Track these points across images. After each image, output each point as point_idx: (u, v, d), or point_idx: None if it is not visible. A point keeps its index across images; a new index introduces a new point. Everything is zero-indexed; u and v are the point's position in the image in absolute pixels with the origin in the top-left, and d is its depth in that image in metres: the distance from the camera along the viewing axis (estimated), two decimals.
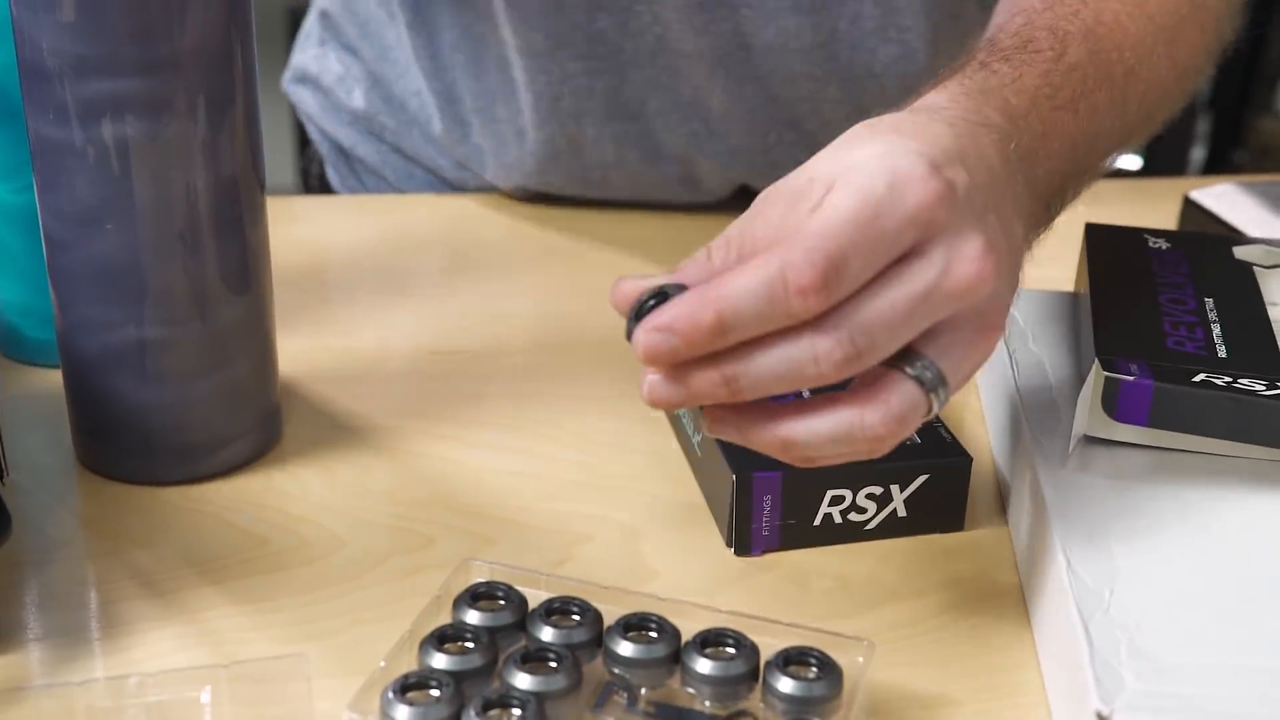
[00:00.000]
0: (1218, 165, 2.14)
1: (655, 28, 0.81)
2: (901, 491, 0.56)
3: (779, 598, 0.53)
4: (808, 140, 0.86)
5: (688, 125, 0.85)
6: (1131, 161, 2.00)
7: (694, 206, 0.90)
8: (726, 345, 0.43)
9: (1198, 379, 0.53)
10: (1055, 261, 0.79)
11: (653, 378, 0.44)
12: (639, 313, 0.44)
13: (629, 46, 0.82)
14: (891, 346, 0.43)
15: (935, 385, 0.44)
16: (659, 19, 0.81)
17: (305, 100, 0.98)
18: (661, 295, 0.44)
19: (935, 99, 0.51)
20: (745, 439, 0.46)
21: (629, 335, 0.44)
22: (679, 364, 0.43)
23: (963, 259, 0.43)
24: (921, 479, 0.56)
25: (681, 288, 0.44)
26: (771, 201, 0.45)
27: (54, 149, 0.53)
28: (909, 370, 0.44)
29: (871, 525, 0.56)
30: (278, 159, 1.11)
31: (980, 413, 0.66)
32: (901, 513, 0.56)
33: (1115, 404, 0.53)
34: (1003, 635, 0.52)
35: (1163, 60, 0.62)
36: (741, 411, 0.46)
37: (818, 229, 0.42)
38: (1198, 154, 2.10)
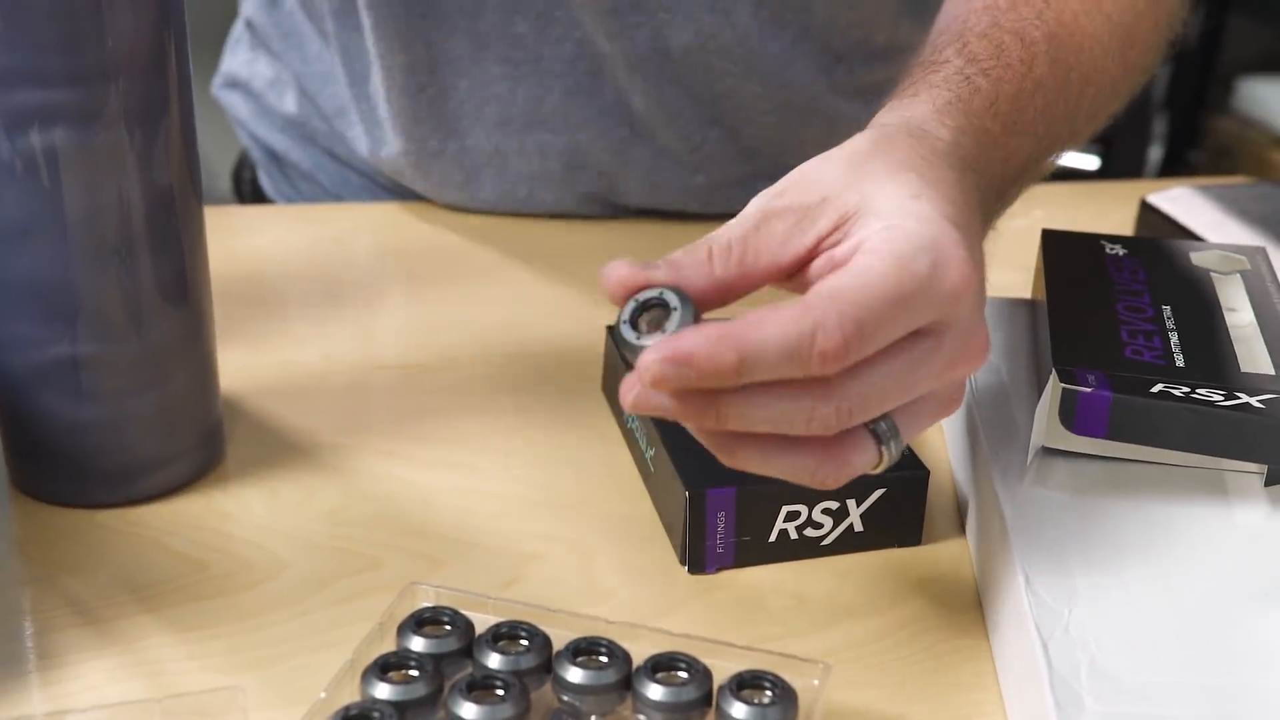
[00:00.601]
0: (1174, 165, 2.15)
1: (575, 33, 0.80)
2: (858, 506, 0.55)
3: (734, 617, 0.52)
4: (734, 139, 0.85)
5: (613, 133, 0.84)
6: (1089, 162, 2.00)
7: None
8: (737, 383, 0.41)
9: (1155, 390, 0.52)
10: (1012, 267, 0.79)
11: (634, 387, 0.42)
12: (635, 316, 0.43)
13: (548, 54, 0.81)
14: (877, 413, 0.44)
15: (889, 440, 0.45)
16: (578, 24, 0.80)
17: (236, 105, 0.96)
18: (660, 302, 0.43)
19: (925, 119, 0.49)
20: (699, 434, 0.45)
21: (618, 334, 0.43)
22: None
23: (968, 351, 0.44)
24: (878, 493, 0.55)
25: (681, 294, 0.43)
26: (777, 215, 0.44)
27: None
28: (872, 429, 0.44)
29: (828, 541, 0.55)
30: (222, 167, 1.09)
31: (939, 424, 0.65)
32: (858, 528, 0.55)
33: (1073, 416, 0.52)
34: (962, 653, 0.51)
35: (1115, 61, 0.61)
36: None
37: (855, 296, 0.41)
38: (1155, 154, 2.11)
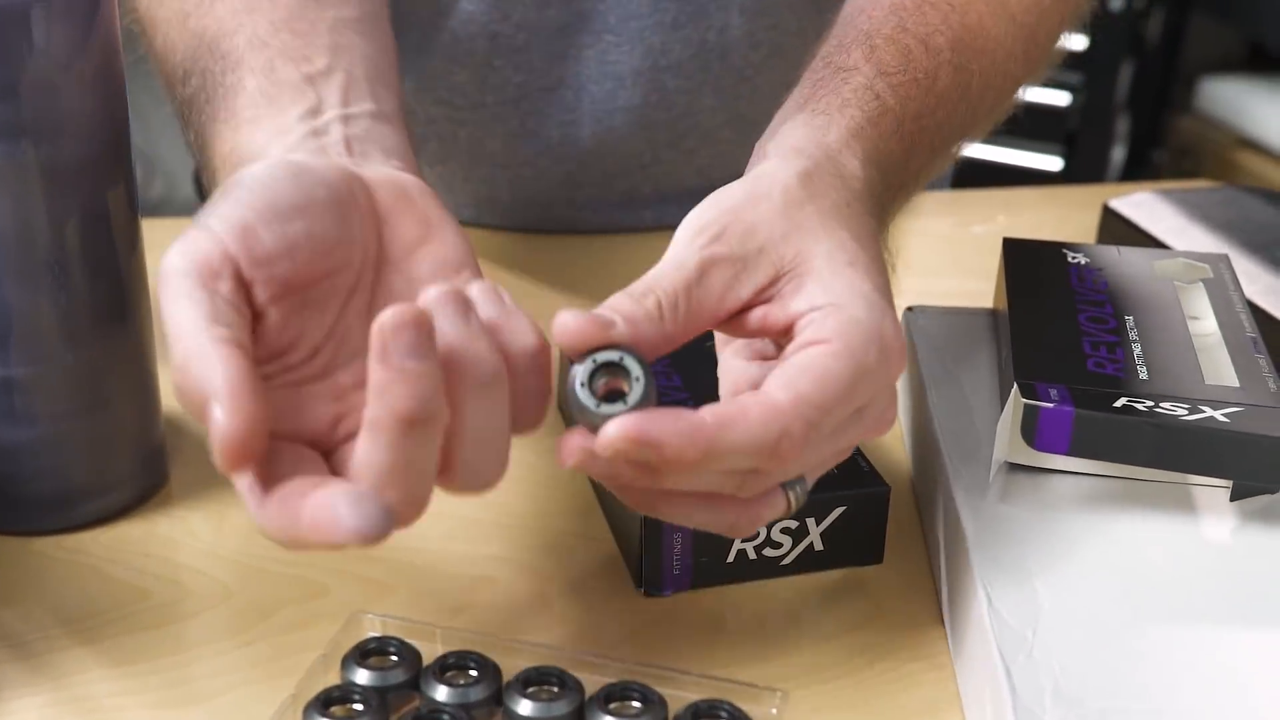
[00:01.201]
0: (1138, 166, 2.15)
1: (516, 78, 0.79)
2: (818, 524, 0.54)
3: (691, 642, 0.51)
4: (688, 157, 0.83)
5: (560, 168, 0.82)
6: (1052, 163, 2.00)
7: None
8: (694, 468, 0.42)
9: (1119, 404, 0.51)
10: (974, 276, 0.78)
11: (582, 447, 0.41)
12: (590, 377, 0.42)
13: (490, 100, 0.79)
14: (798, 476, 0.45)
15: (795, 488, 0.46)
16: (520, 67, 0.78)
17: None
18: (620, 367, 0.42)
19: (839, 150, 0.49)
20: (615, 488, 0.45)
21: (573, 396, 0.42)
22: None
23: (883, 418, 0.45)
24: (838, 510, 0.54)
25: (641, 361, 0.42)
26: (716, 265, 0.44)
27: None
28: (784, 486, 0.45)
29: (788, 560, 0.54)
30: (186, 173, 1.07)
31: (901, 436, 0.64)
32: (819, 546, 0.54)
33: (1035, 432, 0.51)
34: (924, 675, 0.50)
35: (1018, 63, 0.61)
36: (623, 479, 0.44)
37: (820, 401, 0.42)
38: (1118, 154, 2.11)
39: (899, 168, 0.52)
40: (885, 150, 0.51)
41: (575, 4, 0.78)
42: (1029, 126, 1.99)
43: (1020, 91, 0.64)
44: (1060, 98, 1.99)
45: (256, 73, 0.51)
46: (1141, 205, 0.83)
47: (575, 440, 0.42)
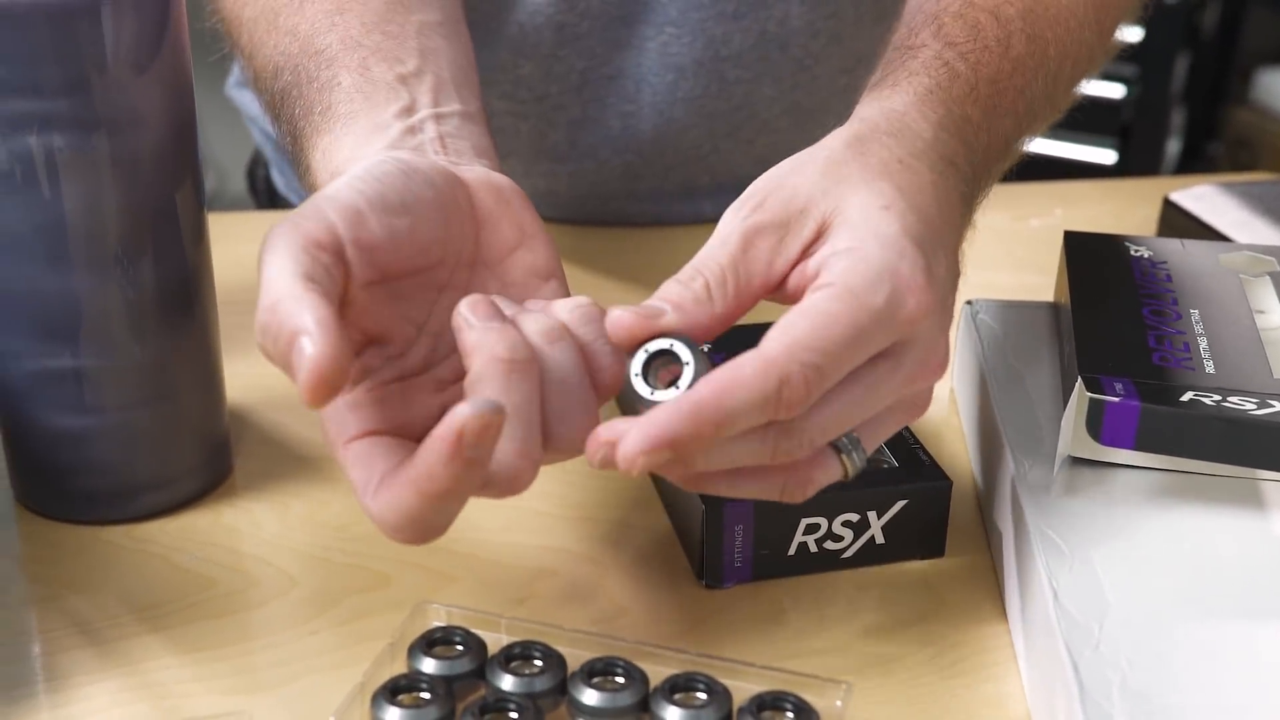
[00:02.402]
0: (1193, 158, 2.13)
1: (579, 64, 0.79)
2: (879, 518, 0.54)
3: (752, 634, 0.51)
4: (747, 147, 0.83)
5: (620, 158, 0.82)
6: (1106, 156, 1.99)
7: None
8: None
9: (1185, 399, 0.50)
10: (1034, 270, 0.77)
11: (604, 452, 0.41)
12: (645, 367, 0.43)
13: (553, 90, 0.80)
14: (838, 434, 0.44)
15: (851, 453, 0.45)
16: (583, 53, 0.79)
17: (249, 103, 0.95)
18: (671, 354, 0.43)
19: (907, 113, 0.49)
20: (660, 471, 0.44)
21: (629, 387, 0.43)
22: None
23: (927, 366, 0.45)
24: (900, 504, 0.53)
25: (692, 345, 0.42)
26: (759, 233, 0.45)
27: None
28: (836, 445, 0.45)
29: (849, 553, 0.54)
30: (236, 167, 1.08)
31: (961, 430, 0.64)
32: (880, 540, 0.54)
33: (1100, 426, 0.50)
34: (988, 669, 0.50)
35: (1091, 30, 0.61)
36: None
37: (814, 343, 0.41)
38: (1173, 147, 2.09)
39: (979, 130, 0.51)
40: (960, 114, 0.50)
41: None
42: (1082, 119, 1.98)
43: (1098, 62, 0.64)
44: (1115, 90, 1.97)
45: (351, 71, 0.52)
46: (1203, 198, 0.82)
47: (596, 441, 0.42)
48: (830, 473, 0.45)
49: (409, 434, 0.44)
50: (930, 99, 0.50)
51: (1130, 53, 1.94)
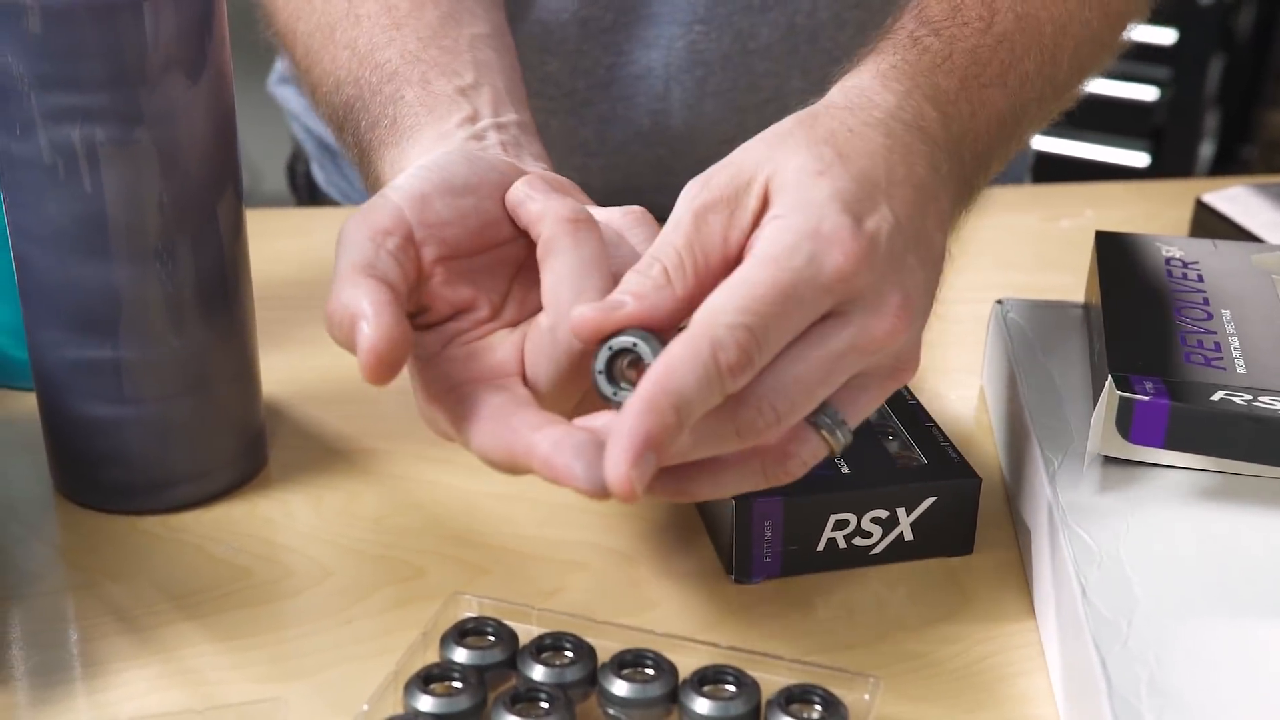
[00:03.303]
0: (1227, 161, 2.12)
1: (606, 59, 0.79)
2: (908, 515, 0.54)
3: (781, 628, 0.51)
4: None
5: (651, 153, 0.83)
6: (1138, 159, 1.98)
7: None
8: (683, 431, 0.42)
9: (1216, 398, 0.50)
10: (1062, 269, 0.77)
11: (588, 461, 0.41)
12: (609, 365, 0.43)
13: (581, 85, 0.80)
14: (810, 406, 0.44)
15: (835, 429, 0.46)
16: (610, 48, 0.79)
17: (289, 100, 0.96)
18: (633, 351, 0.43)
19: (868, 87, 0.49)
20: (648, 492, 0.44)
21: (595, 385, 0.44)
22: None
23: (878, 317, 0.44)
24: (929, 501, 0.54)
25: (649, 335, 0.43)
26: (712, 209, 0.45)
27: (22, 165, 0.51)
28: (814, 421, 0.45)
29: (878, 550, 0.54)
30: (276, 164, 1.09)
31: (991, 428, 0.64)
32: (908, 536, 0.54)
33: (1130, 425, 0.50)
34: (1016, 666, 0.50)
35: (1095, 11, 0.61)
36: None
37: (736, 305, 0.42)
38: (1206, 150, 2.07)
39: (956, 100, 0.51)
40: (929, 83, 0.50)
41: None
42: (1115, 122, 1.97)
43: (1108, 47, 0.64)
44: (1148, 93, 1.96)
45: (414, 85, 0.55)
46: (1235, 199, 0.82)
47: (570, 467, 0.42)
48: (811, 448, 0.45)
49: (494, 378, 0.46)
50: (894, 73, 0.50)
51: (1163, 55, 1.94)
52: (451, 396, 0.46)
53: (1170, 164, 1.98)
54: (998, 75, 0.53)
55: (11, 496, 0.58)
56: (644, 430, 0.40)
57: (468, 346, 0.47)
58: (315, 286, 0.78)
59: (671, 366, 0.41)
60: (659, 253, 0.45)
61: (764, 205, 0.45)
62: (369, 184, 0.55)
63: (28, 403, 0.63)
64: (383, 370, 0.43)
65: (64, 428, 0.56)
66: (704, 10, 0.79)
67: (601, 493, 0.41)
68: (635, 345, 0.43)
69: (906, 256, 0.45)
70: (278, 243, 0.80)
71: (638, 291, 0.44)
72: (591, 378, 0.44)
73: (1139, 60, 1.93)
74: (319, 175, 0.97)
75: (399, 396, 0.66)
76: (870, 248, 0.44)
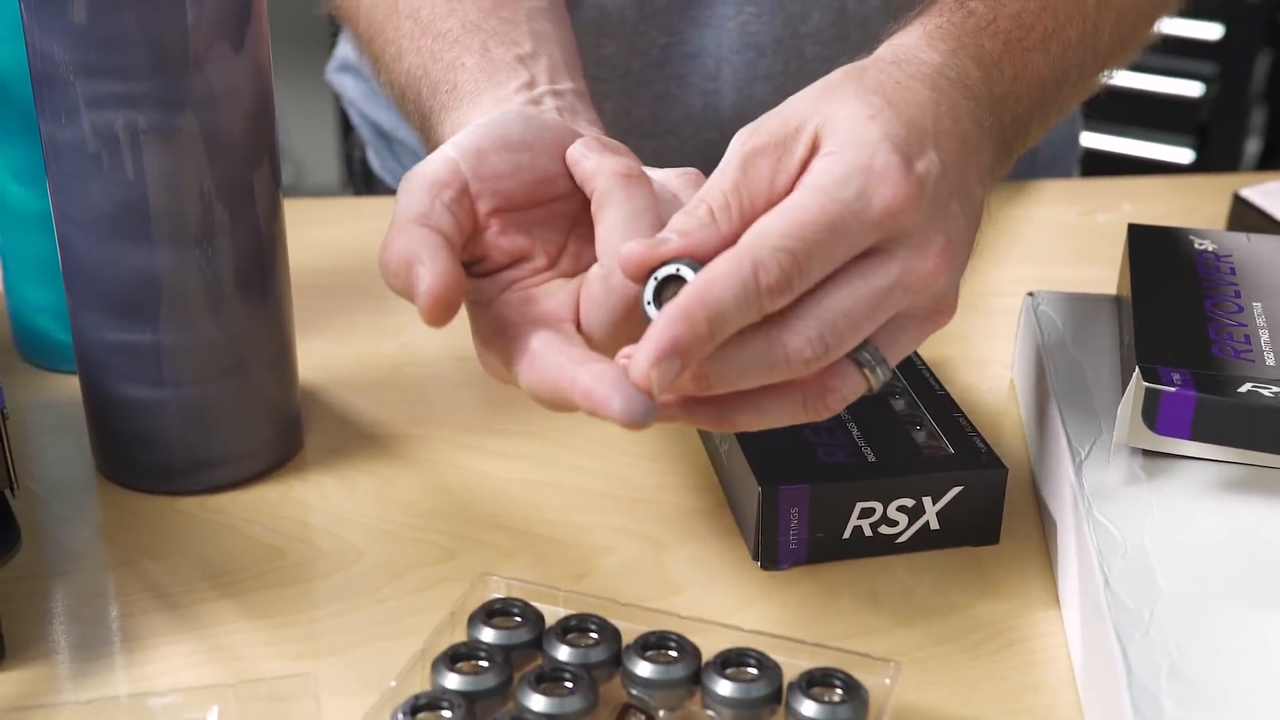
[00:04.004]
0: (1274, 157, 2.10)
1: (660, 39, 0.80)
2: (934, 504, 0.54)
3: (806, 614, 0.52)
4: None
5: (701, 135, 0.83)
6: (1182, 155, 1.96)
7: None
8: (716, 344, 0.43)
9: (1243, 389, 0.50)
10: (1099, 263, 0.77)
11: (627, 394, 0.42)
12: (656, 294, 0.44)
13: (635, 66, 0.81)
14: (854, 340, 0.45)
15: (875, 366, 0.46)
16: (664, 28, 0.80)
17: (347, 87, 0.98)
18: (677, 278, 0.44)
19: (915, 45, 0.50)
20: (691, 420, 0.46)
21: (644, 314, 0.44)
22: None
23: (922, 257, 0.45)
24: (955, 491, 0.54)
25: (694, 264, 0.44)
26: (758, 153, 0.46)
27: (66, 152, 0.53)
28: (855, 358, 0.46)
29: (903, 538, 0.55)
30: (330, 153, 1.11)
31: (1020, 419, 0.64)
32: (934, 525, 0.55)
33: (1156, 416, 0.51)
34: (1039, 654, 0.50)
35: None
36: (688, 402, 0.46)
37: (783, 229, 0.43)
38: (1252, 147, 2.05)
39: (1000, 61, 0.52)
40: (974, 44, 0.51)
41: None
42: (1160, 117, 1.95)
43: (1149, 19, 0.64)
44: (1192, 88, 1.95)
45: (474, 52, 0.57)
46: (1274, 194, 0.81)
47: (610, 396, 0.43)
48: (850, 383, 0.46)
49: (548, 322, 0.47)
50: (939, 33, 0.51)
51: (1209, 50, 1.92)
52: (504, 338, 0.47)
53: (1215, 160, 1.96)
54: (1040, 40, 0.54)
55: (55, 477, 0.60)
56: (673, 334, 0.41)
57: (523, 292, 0.48)
58: (357, 274, 0.79)
59: (711, 280, 0.42)
60: (706, 194, 0.46)
61: (812, 151, 0.46)
62: (430, 148, 0.57)
63: (71, 385, 0.65)
64: (439, 312, 0.44)
65: (104, 410, 0.57)
66: None
67: (635, 422, 0.42)
68: (679, 270, 0.44)
69: (950, 203, 0.46)
70: (319, 231, 0.81)
71: (683, 229, 0.45)
72: (640, 309, 0.45)
73: (1185, 55, 1.92)
74: (374, 161, 0.99)
75: (434, 383, 0.67)
76: (919, 188, 0.45)
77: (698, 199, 0.45)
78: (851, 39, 0.81)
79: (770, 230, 0.43)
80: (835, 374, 0.46)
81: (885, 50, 0.51)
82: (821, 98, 0.47)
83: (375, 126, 0.97)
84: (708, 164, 0.89)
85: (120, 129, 0.52)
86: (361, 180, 1.02)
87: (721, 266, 0.42)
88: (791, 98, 0.48)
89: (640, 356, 0.42)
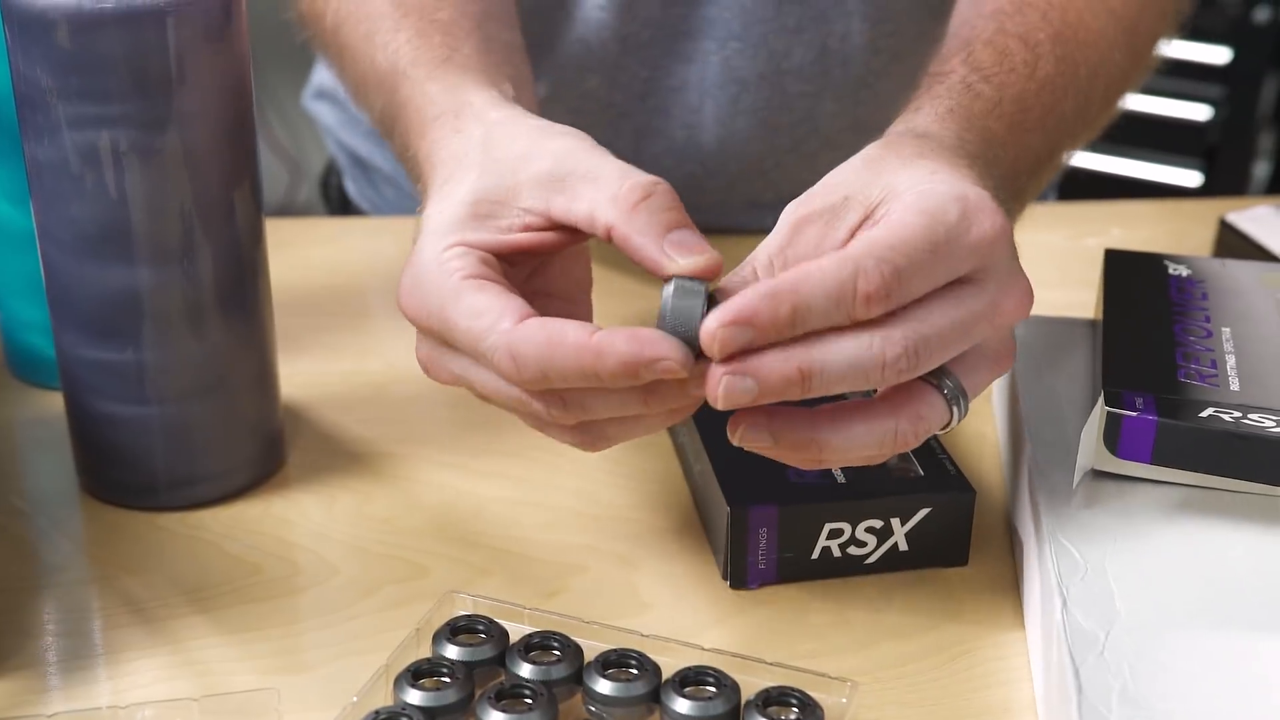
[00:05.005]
0: None
1: (643, 73, 0.81)
2: (902, 525, 0.55)
3: (773, 634, 0.52)
4: (809, 162, 0.85)
5: (683, 168, 0.84)
6: (1190, 178, 1.96)
7: None
8: (792, 335, 0.43)
9: (1205, 414, 0.51)
10: (1085, 286, 0.77)
11: (727, 379, 0.43)
12: (683, 310, 0.44)
13: (618, 99, 0.82)
14: (941, 360, 0.46)
15: (957, 398, 0.47)
16: (646, 62, 0.81)
17: (324, 114, 0.99)
18: (710, 297, 0.45)
19: (929, 127, 0.51)
20: (777, 442, 0.46)
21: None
22: (751, 362, 0.43)
23: (1007, 294, 0.46)
24: (923, 512, 0.54)
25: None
26: (807, 221, 0.47)
27: (49, 172, 0.54)
28: (938, 384, 0.46)
29: (872, 559, 0.55)
30: (312, 176, 1.12)
31: (996, 444, 0.65)
32: (903, 547, 0.55)
33: (1118, 441, 0.51)
34: (1002, 675, 0.50)
35: (1122, 53, 0.63)
36: (776, 415, 0.46)
37: (890, 242, 0.44)
38: (1262, 170, 2.05)
39: (1004, 145, 0.53)
40: (981, 127, 0.53)
41: (699, 9, 0.80)
42: (1168, 140, 1.95)
43: (1132, 82, 0.66)
44: (1200, 111, 1.95)
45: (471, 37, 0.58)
46: (1260, 219, 0.82)
47: (712, 376, 0.43)
48: (938, 413, 0.46)
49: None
50: (951, 116, 0.52)
51: (1217, 73, 1.92)
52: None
53: (1223, 183, 1.96)
54: (1039, 120, 0.56)
55: (40, 492, 0.61)
56: (754, 307, 0.42)
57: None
58: (344, 294, 0.80)
59: (809, 273, 0.43)
60: (753, 256, 0.47)
61: (864, 220, 0.46)
62: (421, 118, 0.56)
63: (59, 402, 0.66)
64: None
65: (87, 426, 0.58)
66: (739, 28, 0.80)
67: (679, 365, 0.43)
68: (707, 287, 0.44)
69: (1017, 253, 0.48)
70: (306, 251, 0.82)
71: (725, 288, 0.45)
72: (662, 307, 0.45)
73: (1192, 79, 1.92)
74: (351, 188, 0.99)
75: (417, 403, 0.68)
76: (1007, 225, 0.46)
77: (746, 261, 0.46)
78: (833, 75, 0.82)
79: (881, 243, 0.44)
80: (926, 403, 0.46)
81: (903, 128, 0.52)
82: (868, 169, 0.48)
83: (351, 154, 0.98)
84: (688, 196, 0.90)
85: (102, 150, 0.53)
86: (339, 207, 1.02)
87: (825, 262, 0.43)
88: (832, 172, 0.49)
89: (715, 316, 0.42)
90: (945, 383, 0.46)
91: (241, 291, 0.57)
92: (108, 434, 0.57)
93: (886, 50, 0.82)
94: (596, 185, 0.47)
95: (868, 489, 0.54)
